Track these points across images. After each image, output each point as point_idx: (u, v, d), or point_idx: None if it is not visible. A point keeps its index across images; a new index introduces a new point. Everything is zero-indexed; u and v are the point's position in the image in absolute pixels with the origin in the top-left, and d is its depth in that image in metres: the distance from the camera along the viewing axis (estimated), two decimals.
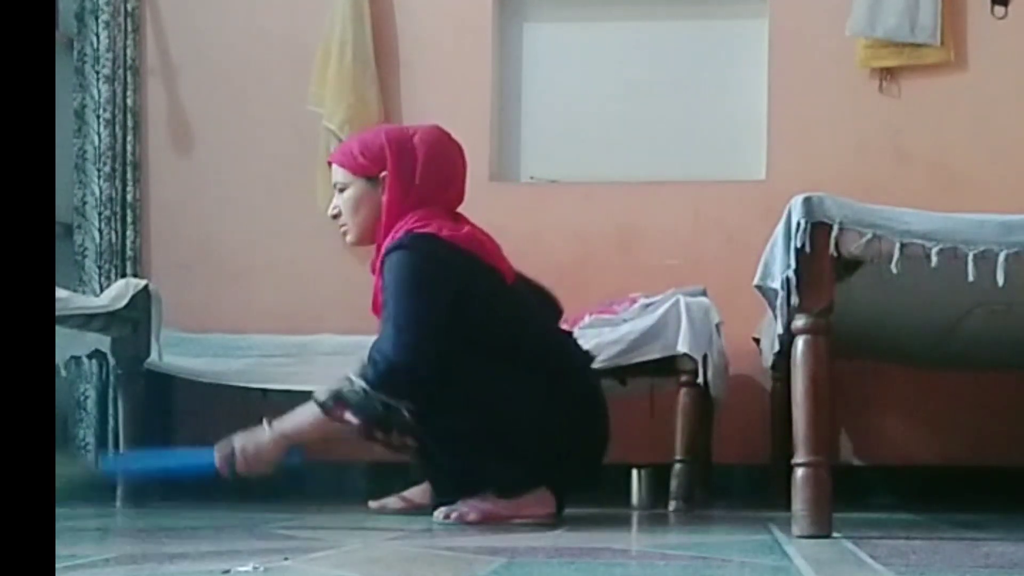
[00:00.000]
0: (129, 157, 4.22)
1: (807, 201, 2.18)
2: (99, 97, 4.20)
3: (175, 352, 3.51)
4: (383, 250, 2.63)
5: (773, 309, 2.28)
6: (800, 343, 2.23)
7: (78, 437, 4.09)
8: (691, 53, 4.25)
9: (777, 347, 3.05)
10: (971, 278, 2.13)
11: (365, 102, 4.08)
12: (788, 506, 2.26)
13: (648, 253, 4.02)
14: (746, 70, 4.18)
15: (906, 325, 2.94)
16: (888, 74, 4.00)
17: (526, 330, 2.70)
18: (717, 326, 3.32)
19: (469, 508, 2.61)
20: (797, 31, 4.06)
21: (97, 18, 4.23)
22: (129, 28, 4.25)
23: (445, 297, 2.55)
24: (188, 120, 4.31)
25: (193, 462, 2.74)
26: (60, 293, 3.05)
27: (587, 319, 3.43)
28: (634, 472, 3.41)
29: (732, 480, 3.86)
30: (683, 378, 3.28)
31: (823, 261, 2.19)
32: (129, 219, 4.20)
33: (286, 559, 1.78)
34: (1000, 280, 2.13)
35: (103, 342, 3.36)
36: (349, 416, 2.51)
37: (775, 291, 2.24)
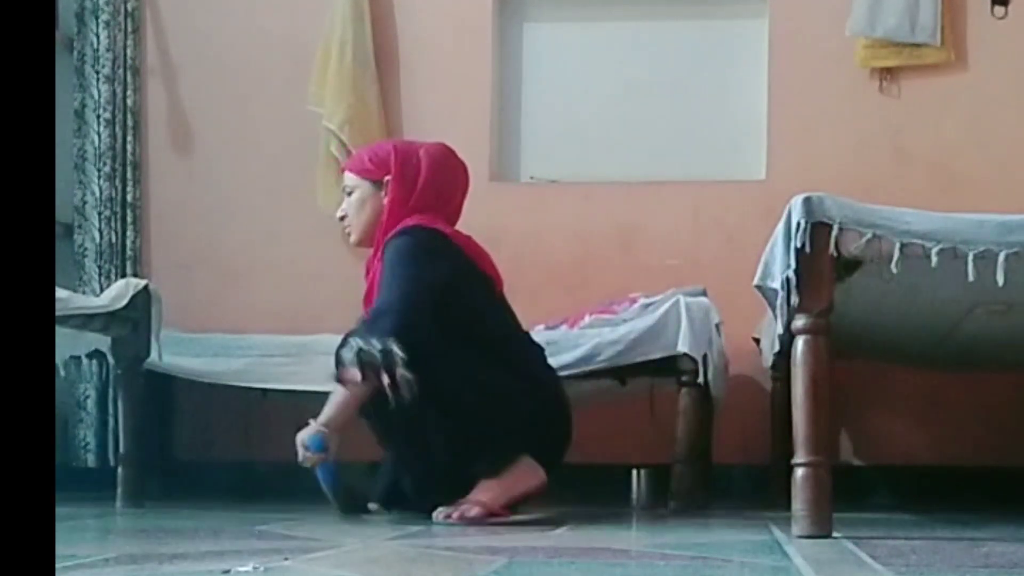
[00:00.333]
0: (129, 157, 4.22)
1: (807, 201, 2.18)
2: (99, 97, 4.21)
3: (175, 352, 3.51)
4: (384, 240, 2.75)
5: (773, 309, 2.28)
6: (800, 343, 2.23)
7: (78, 437, 4.09)
8: (691, 53, 4.25)
9: (777, 347, 3.05)
10: (971, 278, 2.13)
11: (365, 102, 4.08)
12: (788, 506, 2.26)
13: (648, 253, 4.02)
14: (746, 70, 4.18)
15: (906, 325, 2.94)
16: (888, 74, 4.00)
17: (509, 335, 2.84)
18: (717, 326, 3.32)
19: (468, 504, 2.65)
20: (797, 31, 4.06)
21: (97, 18, 4.23)
22: (129, 28, 4.25)
23: (440, 275, 2.68)
24: (188, 120, 4.31)
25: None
26: (60, 293, 3.05)
27: (587, 319, 3.42)
28: (634, 472, 3.41)
29: (732, 480, 3.86)
30: (683, 378, 3.28)
31: (823, 261, 2.19)
32: (129, 219, 4.20)
33: (286, 559, 1.78)
34: (1000, 280, 2.13)
35: (103, 342, 3.36)
36: (353, 373, 2.54)
37: (775, 291, 2.24)
